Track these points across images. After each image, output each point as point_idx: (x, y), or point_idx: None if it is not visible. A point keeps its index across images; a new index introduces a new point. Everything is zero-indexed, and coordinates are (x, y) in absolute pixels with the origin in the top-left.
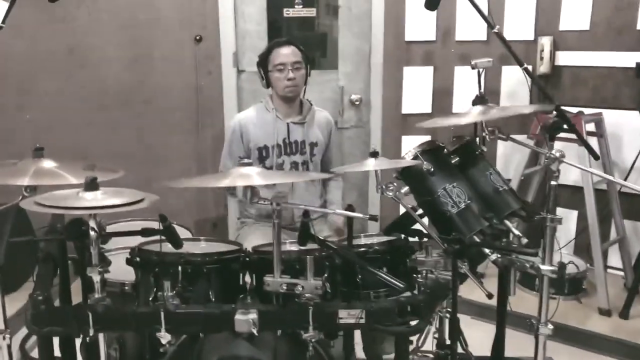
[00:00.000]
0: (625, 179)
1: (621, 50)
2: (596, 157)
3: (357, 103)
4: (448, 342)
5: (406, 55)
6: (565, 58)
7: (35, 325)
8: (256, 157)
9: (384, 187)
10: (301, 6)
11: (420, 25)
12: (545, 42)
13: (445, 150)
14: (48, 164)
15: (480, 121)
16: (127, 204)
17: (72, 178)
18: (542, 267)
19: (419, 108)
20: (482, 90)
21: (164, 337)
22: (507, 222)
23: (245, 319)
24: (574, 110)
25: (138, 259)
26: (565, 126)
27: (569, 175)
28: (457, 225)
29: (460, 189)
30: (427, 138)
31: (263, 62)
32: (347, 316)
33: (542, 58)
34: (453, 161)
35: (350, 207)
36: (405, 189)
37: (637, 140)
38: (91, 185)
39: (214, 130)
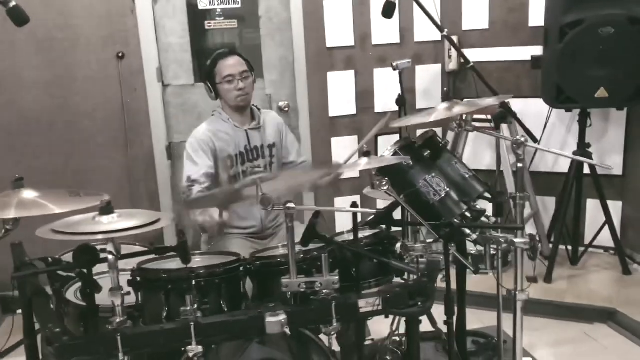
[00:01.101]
0: (532, 159)
1: (517, 45)
2: (535, 140)
3: (285, 110)
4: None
5: (329, 61)
6: (470, 55)
7: (60, 358)
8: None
9: (377, 183)
10: (222, 18)
11: (340, 31)
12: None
13: (416, 145)
14: (29, 194)
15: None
16: (146, 225)
17: (56, 207)
18: (516, 240)
19: (344, 110)
20: (403, 89)
21: (195, 349)
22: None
23: (277, 320)
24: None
25: (139, 278)
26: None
27: (483, 160)
28: (440, 212)
29: (438, 178)
30: (354, 138)
31: (209, 74)
32: (366, 305)
33: (450, 56)
34: (425, 154)
35: (354, 204)
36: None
37: (539, 123)
38: (106, 209)
39: (143, 149)
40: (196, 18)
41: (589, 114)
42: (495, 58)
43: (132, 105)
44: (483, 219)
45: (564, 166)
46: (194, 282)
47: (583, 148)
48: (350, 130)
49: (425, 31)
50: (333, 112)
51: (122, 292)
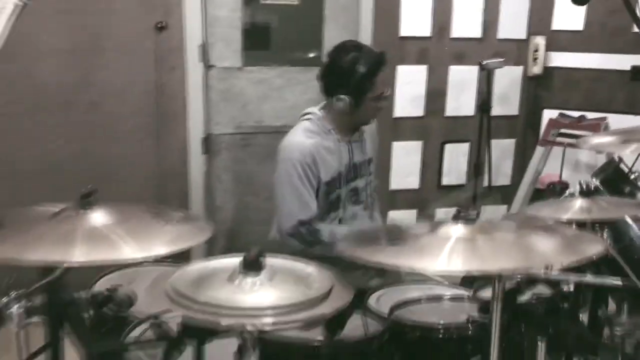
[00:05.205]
0: None
1: (615, 52)
2: None
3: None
4: None
5: (400, 52)
6: (557, 59)
7: None
8: (324, 193)
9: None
10: None
11: (415, 19)
12: (540, 42)
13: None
14: (98, 218)
15: None
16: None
17: (139, 248)
18: None
19: (409, 111)
20: (490, 93)
21: None
22: None
23: None
24: (575, 114)
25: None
26: None
27: None
28: None
29: None
30: (418, 144)
31: (362, 84)
32: None
33: (535, 58)
34: (626, 191)
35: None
36: None
37: None
38: (255, 263)
39: (177, 140)
40: None
41: None
42: (587, 65)
43: (168, 87)
44: None
45: None
46: None
47: None
48: (415, 134)
49: (510, 27)
50: (398, 112)
51: None
